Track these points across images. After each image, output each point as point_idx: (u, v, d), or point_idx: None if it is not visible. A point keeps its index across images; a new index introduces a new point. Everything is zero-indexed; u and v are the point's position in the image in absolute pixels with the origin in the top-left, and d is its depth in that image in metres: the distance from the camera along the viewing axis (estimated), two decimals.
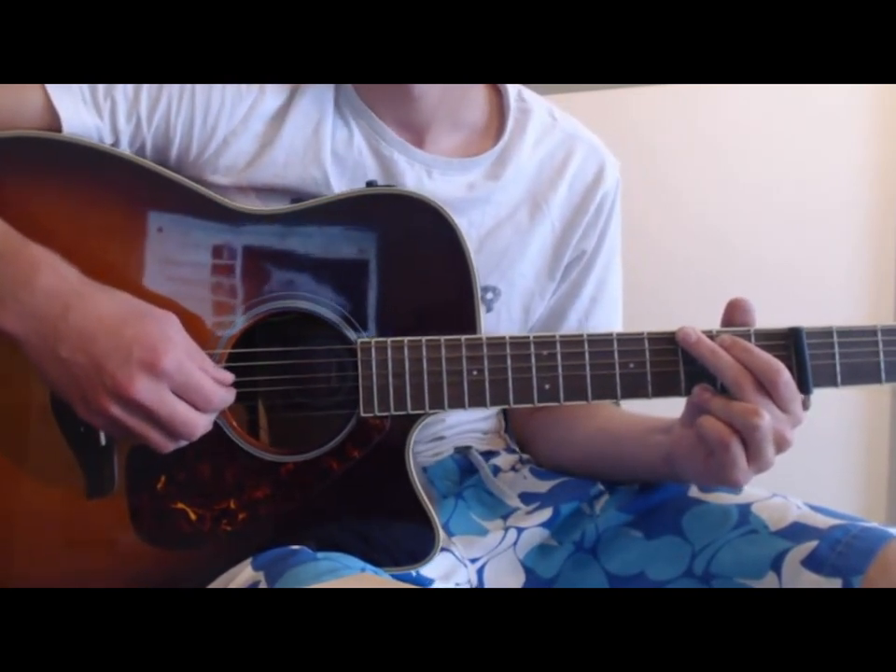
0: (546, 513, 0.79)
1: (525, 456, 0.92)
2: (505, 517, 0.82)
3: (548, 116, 0.89)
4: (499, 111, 0.87)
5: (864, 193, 1.55)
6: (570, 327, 0.90)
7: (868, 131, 1.54)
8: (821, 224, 1.57)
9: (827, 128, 1.55)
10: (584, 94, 1.40)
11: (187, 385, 0.64)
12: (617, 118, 1.56)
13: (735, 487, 0.69)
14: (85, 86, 0.74)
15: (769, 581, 0.67)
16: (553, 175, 0.87)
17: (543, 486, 0.84)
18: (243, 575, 0.65)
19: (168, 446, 0.66)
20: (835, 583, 0.63)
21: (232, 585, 0.66)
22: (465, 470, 0.88)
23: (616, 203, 0.91)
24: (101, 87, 0.74)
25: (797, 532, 0.68)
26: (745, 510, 0.72)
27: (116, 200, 0.72)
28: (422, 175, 0.82)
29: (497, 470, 0.88)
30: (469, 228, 0.82)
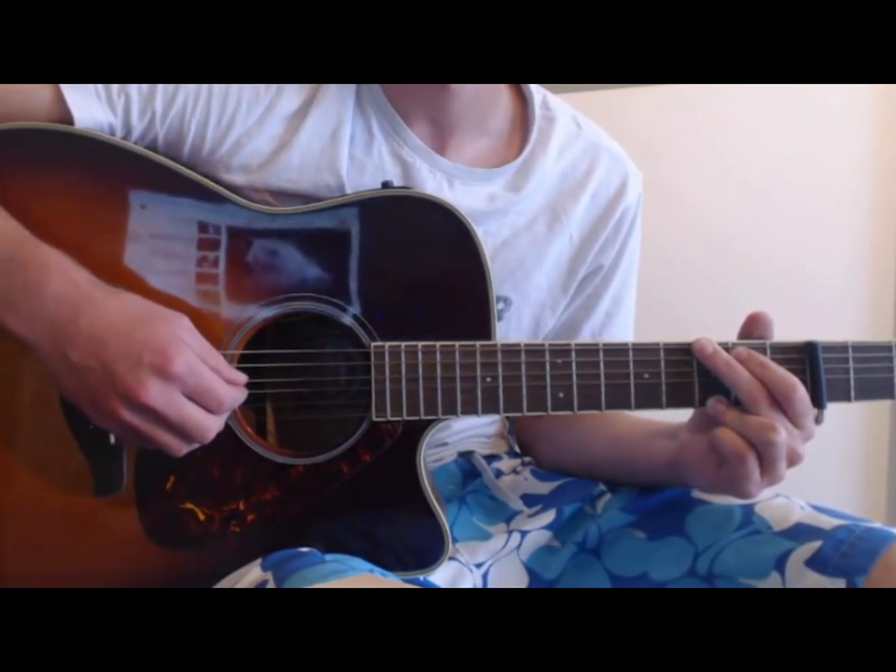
0: (549, 516, 0.79)
1: (527, 459, 0.92)
2: (508, 520, 0.82)
3: (572, 123, 0.88)
4: (523, 120, 0.85)
5: (864, 193, 1.55)
6: (583, 341, 0.88)
7: (868, 131, 1.54)
8: (821, 224, 1.56)
9: (827, 128, 1.55)
10: (584, 94, 1.40)
11: (197, 387, 0.64)
12: (617, 118, 1.56)
13: (746, 499, 0.69)
14: (99, 84, 0.73)
15: (773, 582, 0.67)
16: (575, 186, 0.85)
17: (545, 488, 0.84)
18: (251, 575, 0.65)
19: (181, 449, 0.66)
20: (839, 584, 0.63)
21: (240, 584, 0.66)
22: (467, 474, 0.88)
23: (637, 218, 0.89)
24: (114, 84, 0.73)
25: (801, 532, 0.68)
26: (748, 510, 0.72)
27: (127, 195, 0.71)
28: (443, 185, 0.80)
29: (499, 474, 0.88)
30: (485, 237, 0.79)
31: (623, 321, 0.91)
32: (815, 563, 0.65)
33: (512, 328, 0.85)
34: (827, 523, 0.68)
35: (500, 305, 0.83)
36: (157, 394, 0.62)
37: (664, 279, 1.62)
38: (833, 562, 0.64)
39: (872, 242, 1.55)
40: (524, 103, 0.86)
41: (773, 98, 1.55)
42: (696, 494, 0.77)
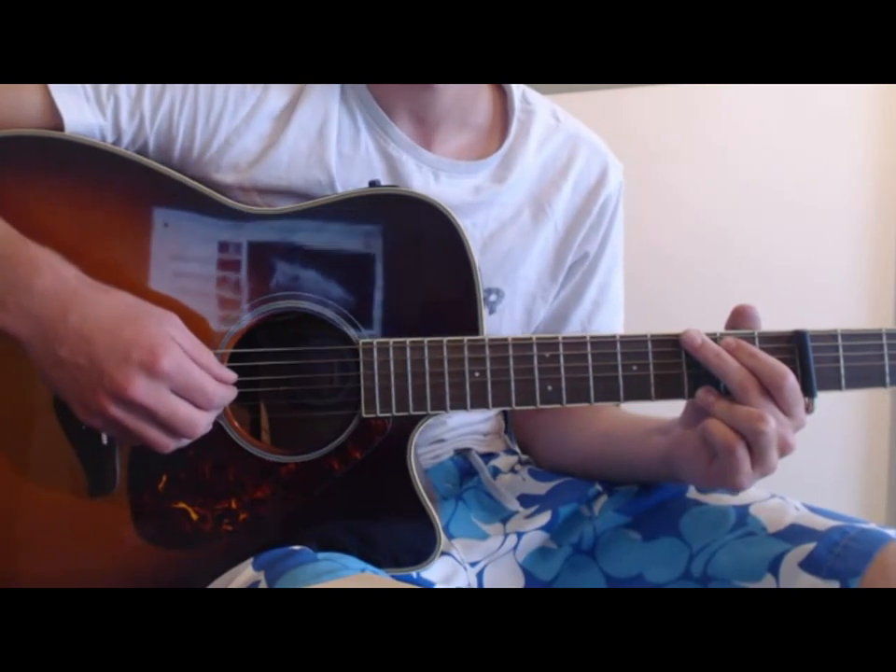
0: (545, 517, 0.79)
1: (524, 457, 0.92)
2: (504, 521, 0.82)
3: (551, 117, 0.89)
4: (503, 113, 0.87)
5: (865, 193, 1.55)
6: (573, 330, 0.90)
7: (868, 131, 1.54)
8: (821, 224, 1.56)
9: (827, 128, 1.55)
10: (584, 94, 1.40)
11: (186, 384, 0.64)
12: (617, 118, 1.56)
13: (738, 491, 0.69)
14: (88, 84, 0.73)
15: (766, 584, 0.67)
16: (557, 177, 0.87)
17: (542, 488, 0.84)
18: (243, 575, 0.65)
19: (169, 445, 0.66)
20: (833, 585, 0.63)
21: (233, 585, 0.66)
22: (464, 472, 0.88)
23: (619, 206, 0.90)
24: (104, 85, 0.74)
25: (795, 534, 0.68)
26: (743, 511, 0.72)
27: (118, 199, 0.72)
28: (429, 178, 0.81)
29: (496, 472, 0.88)
30: (473, 230, 0.81)
31: (611, 309, 0.92)
32: (809, 564, 0.65)
33: (505, 319, 0.86)
34: (821, 524, 0.67)
35: (493, 298, 0.84)
36: (145, 390, 0.63)
37: (663, 279, 1.62)
38: (827, 564, 0.64)
39: (872, 242, 1.55)
40: (503, 97, 0.88)
41: (773, 98, 1.55)
42: (691, 495, 0.76)
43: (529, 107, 0.87)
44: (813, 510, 0.71)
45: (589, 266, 0.89)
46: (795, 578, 0.65)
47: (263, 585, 0.62)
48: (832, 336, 0.69)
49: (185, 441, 0.67)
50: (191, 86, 0.76)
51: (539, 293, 0.88)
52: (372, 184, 0.75)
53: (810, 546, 0.66)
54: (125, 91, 0.74)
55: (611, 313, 0.92)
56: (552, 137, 0.88)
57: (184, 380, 0.64)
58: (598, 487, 0.81)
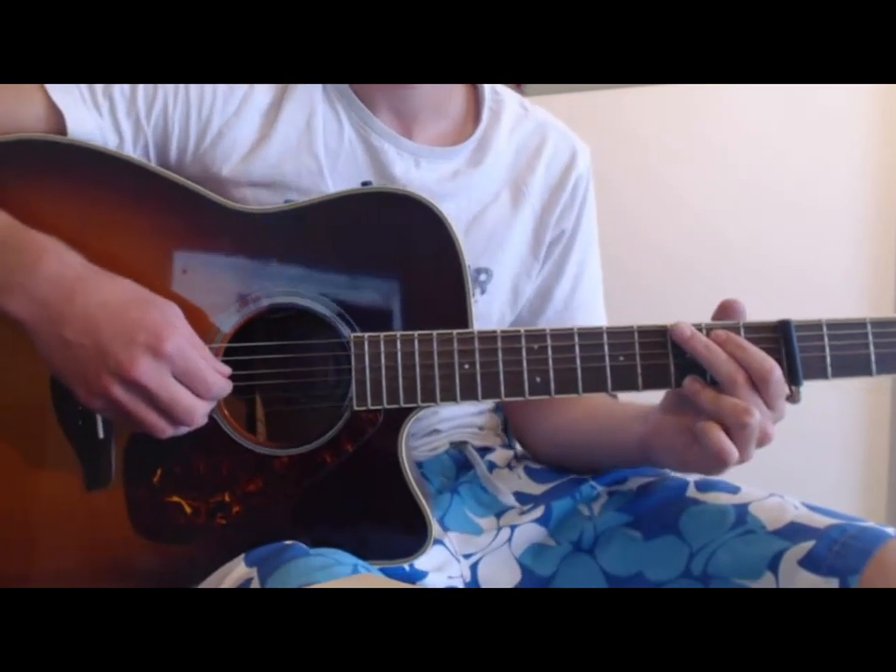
0: (538, 511, 0.80)
1: (521, 452, 0.93)
2: (499, 515, 0.82)
3: (520, 107, 0.93)
4: (475, 102, 0.91)
5: (864, 193, 1.55)
6: (556, 307, 0.93)
7: (868, 131, 1.54)
8: (821, 224, 1.57)
9: (827, 128, 1.55)
10: (584, 94, 1.40)
11: (187, 369, 0.65)
12: (617, 118, 1.57)
13: (714, 475, 0.72)
14: (83, 86, 0.75)
15: (766, 581, 0.67)
16: (531, 159, 0.90)
17: (538, 489, 0.85)
18: (235, 572, 0.66)
19: (167, 431, 0.66)
20: (832, 583, 0.63)
21: (226, 581, 0.66)
22: (460, 466, 0.89)
23: (590, 188, 0.94)
24: (98, 87, 0.76)
25: (794, 532, 0.68)
26: (742, 510, 0.72)
27: (118, 200, 0.73)
28: (410, 165, 0.84)
29: (492, 466, 0.89)
30: (458, 212, 0.84)
31: (591, 285, 0.95)
32: (808, 562, 0.65)
33: (495, 298, 0.89)
34: (820, 522, 0.68)
35: (482, 277, 0.87)
36: (149, 371, 0.63)
37: (663, 279, 1.62)
38: (827, 561, 0.64)
39: (872, 242, 1.55)
40: (475, 90, 0.92)
41: (773, 98, 1.55)
42: (690, 494, 0.77)
43: (498, 97, 0.91)
44: (812, 508, 0.71)
45: (566, 244, 0.92)
46: (795, 575, 0.65)
47: (256, 582, 0.62)
48: (816, 325, 0.70)
49: (182, 430, 0.67)
50: (182, 84, 0.78)
51: (524, 271, 0.90)
52: (365, 185, 0.77)
53: (809, 544, 0.66)
54: (119, 91, 0.76)
55: (591, 289, 0.95)
56: (521, 124, 0.91)
57: (185, 365, 0.65)
58: (599, 488, 0.82)
